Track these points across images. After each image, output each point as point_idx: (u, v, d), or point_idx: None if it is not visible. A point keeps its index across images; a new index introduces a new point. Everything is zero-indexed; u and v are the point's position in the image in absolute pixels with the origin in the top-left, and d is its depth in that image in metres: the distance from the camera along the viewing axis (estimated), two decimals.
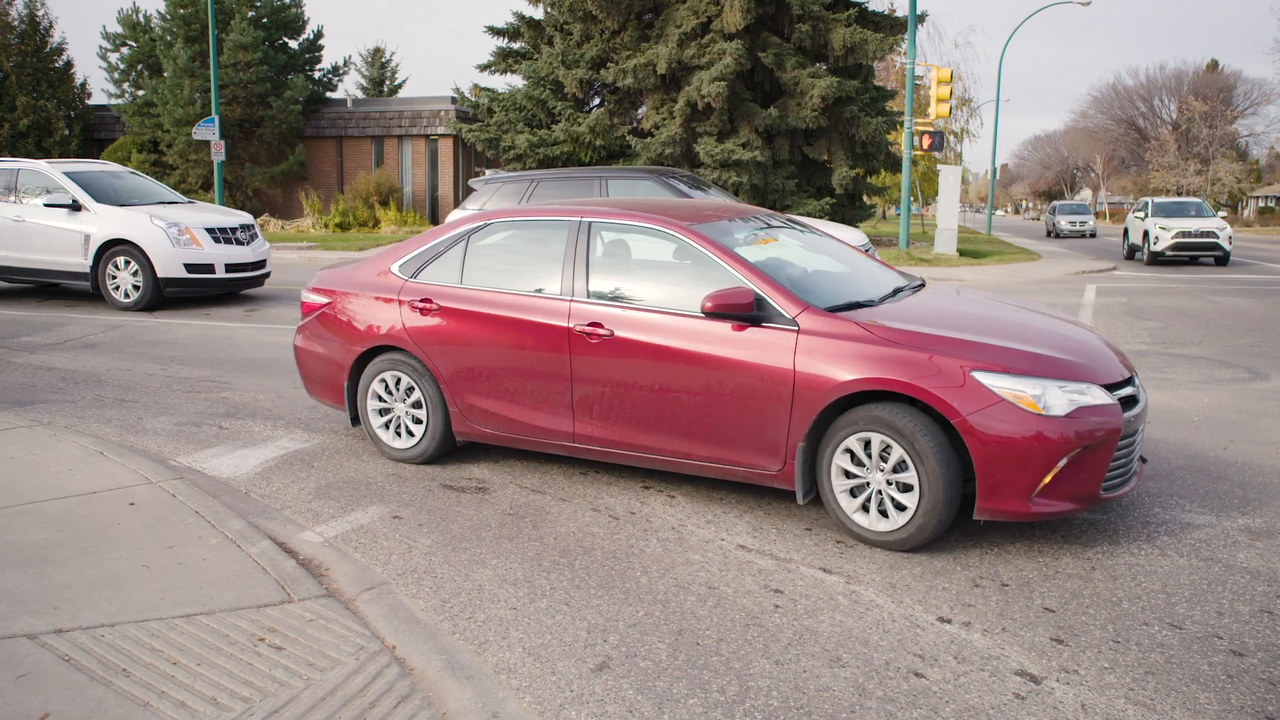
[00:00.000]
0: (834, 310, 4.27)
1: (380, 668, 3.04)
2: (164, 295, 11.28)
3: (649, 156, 22.84)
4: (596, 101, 25.71)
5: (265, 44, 28.76)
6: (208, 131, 22.87)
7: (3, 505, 4.35)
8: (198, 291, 11.53)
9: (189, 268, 11.22)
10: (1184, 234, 21.03)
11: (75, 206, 11.26)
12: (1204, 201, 25.36)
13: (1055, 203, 44.66)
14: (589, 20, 24.04)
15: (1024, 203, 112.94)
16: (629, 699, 2.96)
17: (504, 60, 26.53)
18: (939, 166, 28.89)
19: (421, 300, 5.13)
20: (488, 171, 11.36)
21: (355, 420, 5.46)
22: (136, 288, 11.15)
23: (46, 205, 11.30)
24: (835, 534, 4.32)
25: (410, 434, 5.27)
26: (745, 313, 4.22)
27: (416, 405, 5.22)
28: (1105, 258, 23.89)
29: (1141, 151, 67.03)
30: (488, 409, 4.97)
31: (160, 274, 11.08)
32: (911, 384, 3.89)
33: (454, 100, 29.36)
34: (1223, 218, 23.53)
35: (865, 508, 4.12)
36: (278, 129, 28.57)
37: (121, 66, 30.83)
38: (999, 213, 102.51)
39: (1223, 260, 21.54)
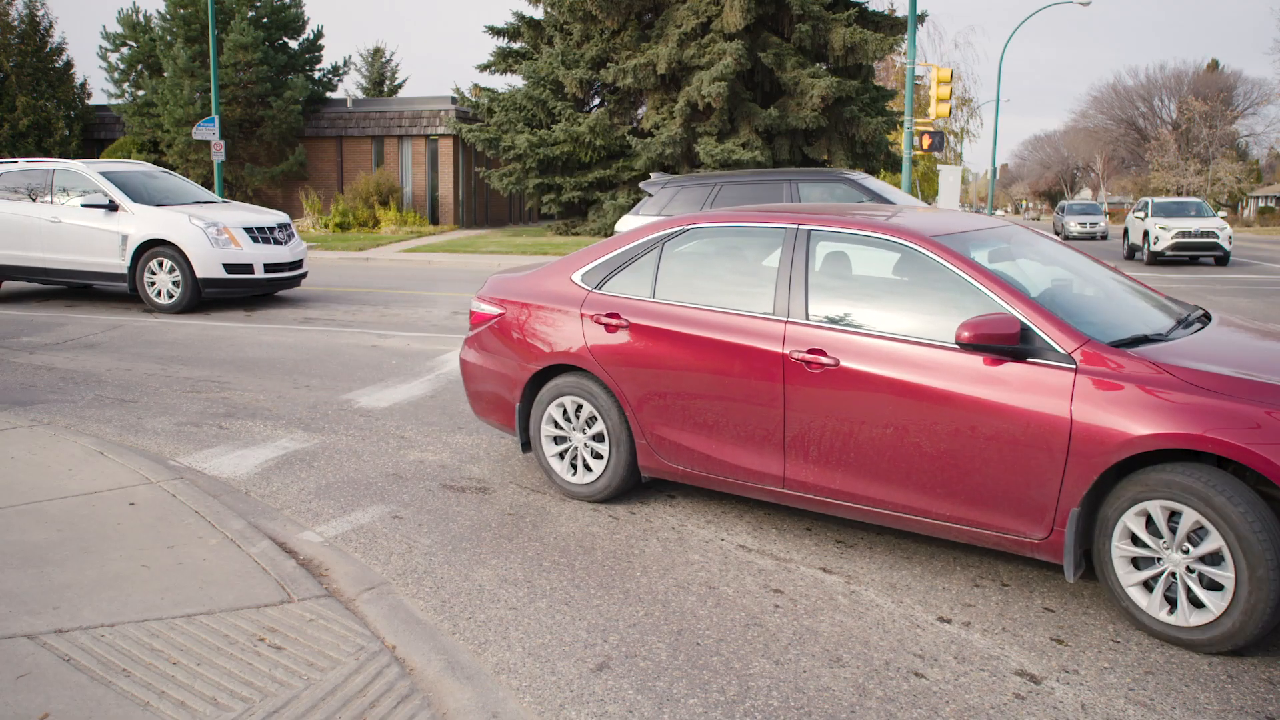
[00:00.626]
0: (1119, 345, 3.53)
1: (380, 668, 3.04)
2: (203, 297, 11.06)
3: (649, 156, 22.85)
4: (596, 101, 25.72)
5: (265, 44, 28.76)
6: (208, 131, 22.88)
7: (3, 505, 4.35)
8: (236, 292, 11.33)
9: (228, 268, 11.00)
10: (1184, 234, 21.03)
11: (112, 207, 11.06)
12: (1204, 201, 25.36)
13: (1063, 202, 42.32)
14: (589, 20, 24.05)
15: (1024, 203, 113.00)
16: (629, 699, 2.96)
17: (504, 60, 26.54)
18: (939, 166, 28.91)
19: (608, 315, 4.53)
20: (653, 175, 10.84)
21: (526, 447, 4.93)
22: (176, 287, 10.93)
23: (84, 206, 11.10)
24: (835, 534, 4.31)
25: (588, 468, 4.69)
26: (1009, 345, 3.53)
27: (598, 438, 4.63)
28: (1105, 258, 23.88)
29: (1141, 151, 67.04)
30: (681, 443, 4.35)
31: (199, 274, 10.87)
32: (1237, 445, 3.10)
33: (454, 100, 29.37)
34: (1223, 218, 23.53)
35: (1168, 598, 3.34)
36: (278, 129, 28.58)
37: (121, 66, 30.84)
38: (999, 213, 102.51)
39: (1223, 260, 21.54)
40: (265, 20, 29.44)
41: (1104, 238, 37.78)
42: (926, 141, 21.07)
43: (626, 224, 10.69)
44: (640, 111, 25.10)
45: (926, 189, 42.43)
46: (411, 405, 6.67)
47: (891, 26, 23.76)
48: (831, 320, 3.99)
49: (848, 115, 22.72)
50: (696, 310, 4.34)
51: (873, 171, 26.32)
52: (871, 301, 4.02)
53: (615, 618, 3.50)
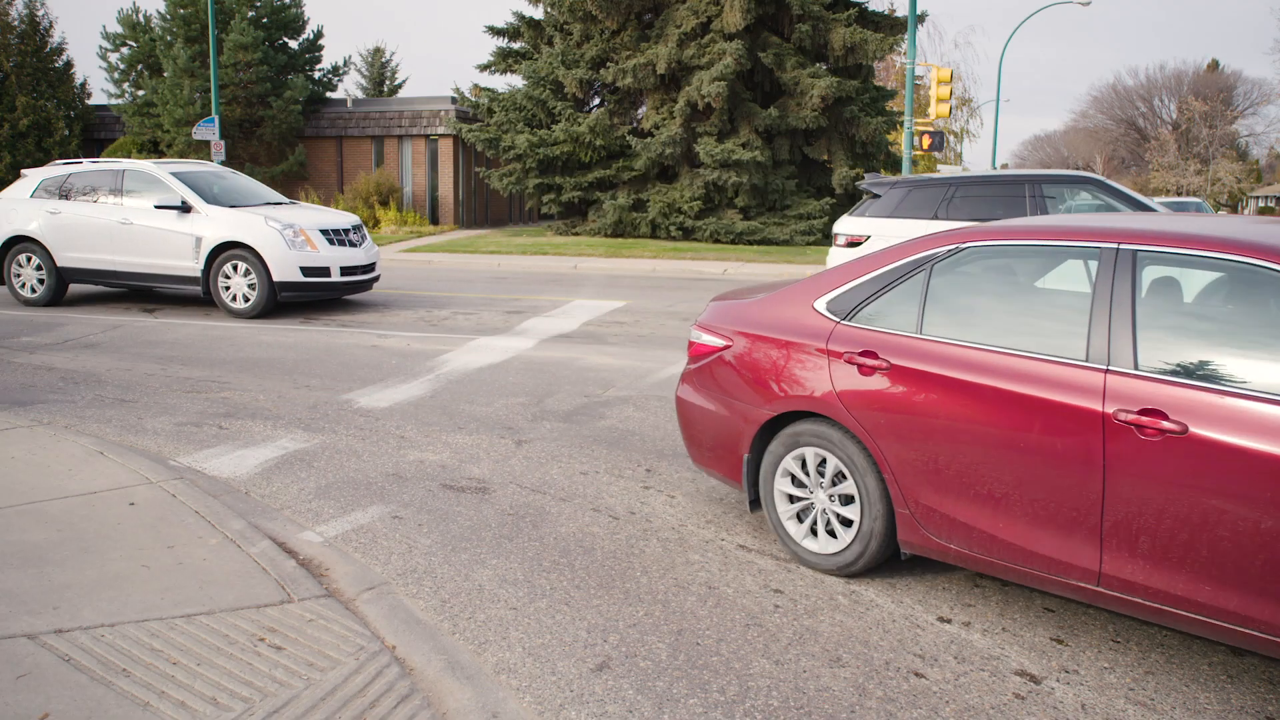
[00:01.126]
0: None
1: (380, 668, 3.04)
2: (279, 300, 10.69)
3: (649, 156, 22.85)
4: (596, 101, 25.72)
5: (265, 44, 28.76)
6: (208, 131, 22.88)
7: (3, 505, 4.35)
8: (312, 296, 10.91)
9: (305, 271, 10.57)
10: None
11: (185, 208, 10.70)
12: (1204, 201, 25.36)
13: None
14: (589, 20, 24.05)
15: None
16: (629, 699, 2.96)
17: (504, 60, 26.53)
18: (939, 166, 28.92)
19: (862, 353, 3.74)
20: (867, 176, 10.07)
21: (755, 504, 4.25)
22: (251, 290, 10.55)
23: (158, 207, 10.76)
24: None
25: (833, 535, 3.92)
26: None
27: (845, 499, 3.87)
28: None
29: (1141, 151, 67.06)
30: (955, 517, 3.48)
31: (276, 278, 10.46)
32: None
33: (454, 100, 29.37)
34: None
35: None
36: (278, 129, 28.58)
37: (121, 66, 30.83)
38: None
39: None
40: (265, 20, 29.44)
41: None
42: (926, 141, 21.08)
43: (847, 226, 10.07)
44: (640, 111, 25.09)
45: None
46: (411, 405, 6.67)
47: (891, 26, 23.76)
48: (1172, 371, 3.04)
49: (848, 115, 22.72)
50: (977, 351, 3.46)
51: (872, 171, 26.33)
52: (1229, 346, 3.06)
53: (615, 618, 3.50)
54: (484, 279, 15.74)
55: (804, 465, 4.00)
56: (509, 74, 26.59)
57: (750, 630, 3.40)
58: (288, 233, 10.55)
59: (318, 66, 31.63)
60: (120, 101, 30.50)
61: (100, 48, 30.72)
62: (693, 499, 4.76)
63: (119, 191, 11.14)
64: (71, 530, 4.07)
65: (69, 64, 30.60)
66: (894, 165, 25.51)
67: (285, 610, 3.40)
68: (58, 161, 11.57)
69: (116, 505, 4.39)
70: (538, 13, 26.27)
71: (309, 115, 29.87)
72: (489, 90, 26.78)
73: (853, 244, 9.82)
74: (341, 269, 10.96)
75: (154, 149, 29.25)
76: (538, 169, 24.43)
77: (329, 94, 31.66)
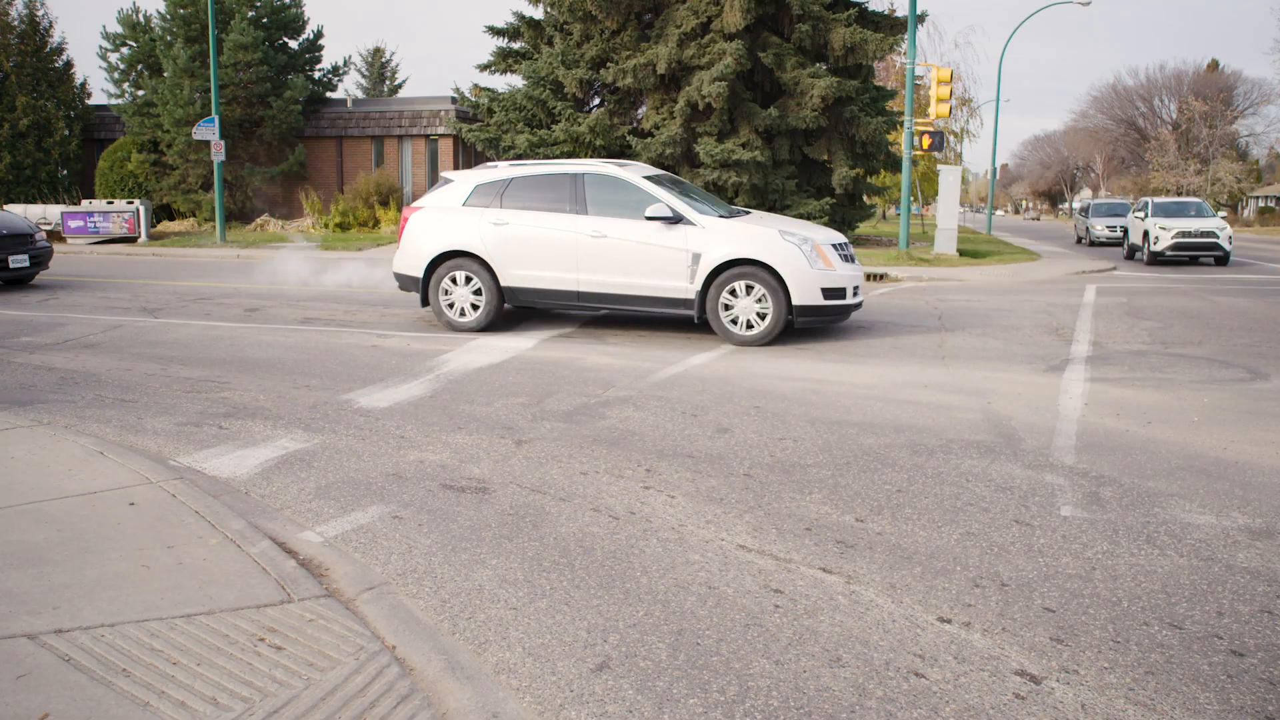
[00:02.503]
0: None
1: (380, 668, 3.04)
2: (794, 326, 9.48)
3: (649, 157, 22.84)
4: (596, 101, 25.71)
5: (265, 44, 28.76)
6: (208, 131, 22.87)
7: (3, 505, 4.35)
8: (824, 320, 9.50)
9: (825, 293, 9.20)
10: (1184, 234, 21.03)
11: (675, 219, 9.24)
12: (1204, 201, 25.34)
13: (1087, 200, 36.35)
14: (589, 20, 24.04)
15: (1024, 203, 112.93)
16: (629, 699, 2.96)
17: (504, 60, 26.52)
18: (939, 166, 28.90)
19: None
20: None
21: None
22: (761, 317, 9.19)
23: (649, 218, 9.24)
24: (835, 534, 4.31)
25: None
26: None
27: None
28: (1105, 258, 23.89)
29: (1141, 151, 67.04)
30: None
31: (796, 301, 9.07)
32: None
33: (454, 100, 29.38)
34: (1223, 218, 23.52)
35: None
36: (278, 129, 28.57)
37: (121, 66, 30.83)
38: (999, 213, 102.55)
39: (1223, 260, 21.53)
40: (265, 20, 29.44)
41: None
42: (926, 141, 21.07)
43: None
44: (640, 111, 25.09)
45: (926, 189, 42.43)
46: (411, 405, 6.67)
47: (891, 26, 23.75)
48: None
49: (848, 115, 22.72)
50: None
51: (872, 172, 26.32)
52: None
53: (615, 618, 3.49)
54: None
55: None
56: (509, 74, 26.59)
57: (750, 630, 3.40)
58: (805, 248, 9.17)
59: (318, 66, 31.64)
60: (120, 101, 30.50)
61: (100, 48, 30.71)
62: (693, 499, 4.76)
63: (579, 199, 9.60)
64: (71, 530, 4.07)
65: (69, 64, 30.61)
66: (894, 165, 25.52)
67: (285, 610, 3.40)
68: (489, 164, 10.45)
69: (116, 505, 4.39)
70: (538, 13, 26.26)
71: (309, 115, 29.87)
72: (489, 90, 26.78)
73: None
74: (854, 290, 9.58)
75: (154, 149, 29.26)
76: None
77: (329, 94, 31.67)
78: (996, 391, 7.26)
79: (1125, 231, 25.09)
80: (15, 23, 29.34)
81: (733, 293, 9.19)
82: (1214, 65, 69.34)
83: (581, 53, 24.07)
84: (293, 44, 30.76)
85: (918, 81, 28.52)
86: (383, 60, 47.59)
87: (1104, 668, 3.17)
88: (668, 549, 4.14)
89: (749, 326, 9.21)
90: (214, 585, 3.58)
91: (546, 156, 23.97)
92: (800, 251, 9.10)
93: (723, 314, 9.26)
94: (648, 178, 9.71)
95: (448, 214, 9.93)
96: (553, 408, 6.62)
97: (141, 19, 30.85)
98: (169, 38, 28.86)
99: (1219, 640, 3.34)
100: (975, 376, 7.83)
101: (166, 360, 8.24)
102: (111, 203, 25.06)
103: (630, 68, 22.45)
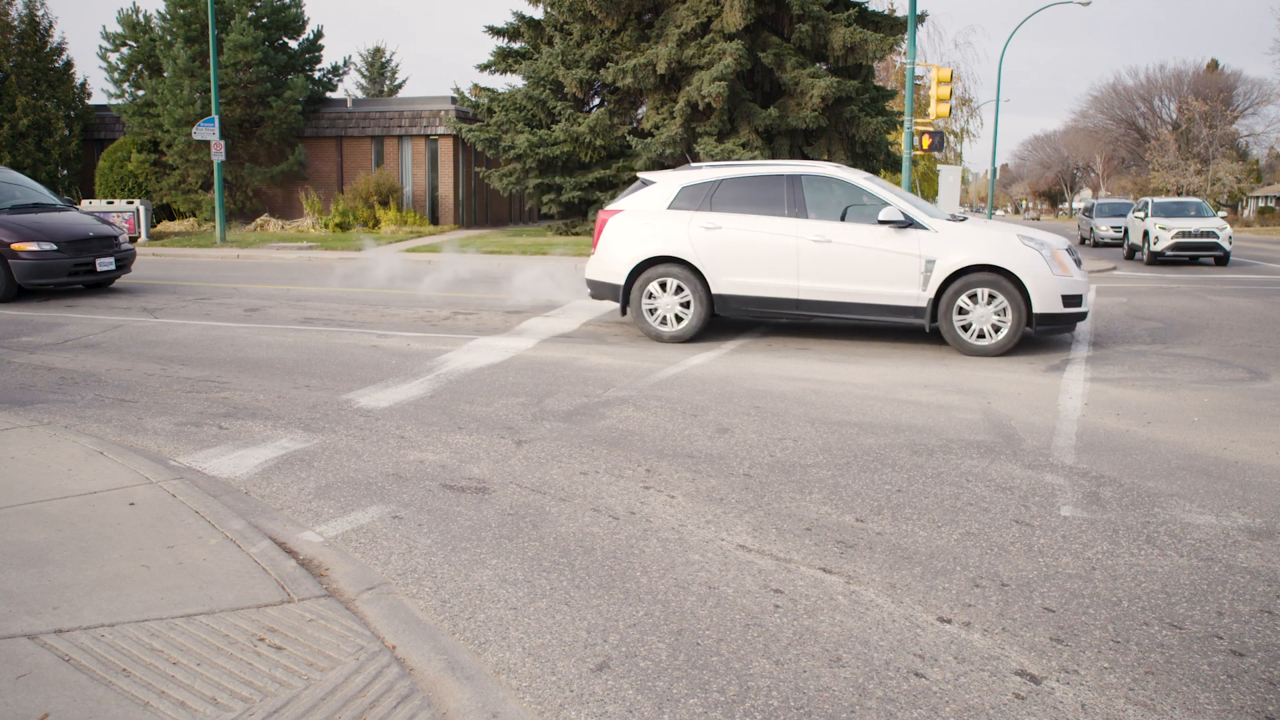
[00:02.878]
0: None
1: (380, 668, 3.04)
2: (1034, 335, 9.21)
3: (649, 157, 22.84)
4: (596, 101, 25.72)
5: (265, 44, 28.77)
6: (208, 131, 22.88)
7: (3, 505, 4.35)
8: (1061, 329, 9.12)
9: (1065, 300, 8.74)
10: (1184, 234, 21.03)
11: (906, 223, 8.80)
12: (1204, 201, 25.32)
13: (1093, 200, 35.70)
14: (589, 20, 24.04)
15: (1024, 203, 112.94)
16: (629, 699, 2.96)
17: (504, 60, 26.53)
18: (939, 166, 28.89)
19: None
20: None
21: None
22: (996, 329, 8.74)
23: (881, 222, 8.80)
24: (835, 534, 4.31)
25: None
26: None
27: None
28: (1105, 258, 23.90)
29: (1141, 151, 67.04)
30: None
31: (1037, 309, 8.64)
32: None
33: (454, 100, 29.38)
34: (1223, 218, 23.52)
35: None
36: (278, 129, 28.58)
37: (121, 66, 30.84)
38: (999, 212, 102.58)
39: (1223, 260, 21.53)
40: (265, 20, 29.44)
41: None
42: (926, 141, 21.07)
43: None
44: (640, 111, 25.09)
45: (926, 189, 42.41)
46: (411, 405, 6.67)
47: (891, 26, 23.76)
48: None
49: (848, 115, 22.72)
50: None
51: (873, 171, 26.35)
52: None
53: (615, 618, 3.49)
54: (484, 279, 15.74)
55: None
56: (509, 74, 26.62)
57: (750, 630, 3.40)
58: (1045, 253, 8.75)
59: (318, 66, 31.65)
60: (120, 101, 30.51)
61: (100, 48, 30.72)
62: (693, 499, 4.76)
63: (798, 202, 9.15)
64: (71, 530, 4.07)
65: (69, 64, 30.62)
66: (894, 165, 25.52)
67: (285, 610, 3.40)
68: (692, 165, 9.99)
69: (116, 505, 4.39)
70: (538, 13, 26.27)
71: (309, 115, 29.88)
72: (489, 90, 26.79)
73: None
74: (1086, 296, 9.24)
75: (154, 149, 29.27)
76: (538, 169, 24.43)
77: (329, 94, 31.68)
78: (996, 391, 7.26)
79: (1126, 231, 24.84)
80: (15, 23, 29.35)
81: (972, 299, 8.73)
82: (1214, 65, 69.33)
83: (581, 53, 24.07)
84: (293, 44, 30.76)
85: (918, 81, 28.51)
86: (383, 60, 47.60)
87: (1104, 668, 3.17)
88: (668, 549, 4.14)
89: (982, 336, 8.78)
90: (214, 585, 3.58)
91: (546, 156, 23.98)
92: (1040, 257, 8.66)
93: (956, 322, 8.80)
94: (871, 179, 9.33)
95: (652, 217, 9.43)
96: (553, 408, 6.62)
97: (141, 19, 30.86)
98: (169, 38, 28.87)
99: (1219, 640, 3.34)
100: (975, 376, 7.83)
101: (166, 360, 8.24)
102: (111, 203, 25.06)
103: (630, 68, 22.45)
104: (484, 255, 19.46)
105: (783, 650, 3.26)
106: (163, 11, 29.31)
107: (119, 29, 30.95)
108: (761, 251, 9.10)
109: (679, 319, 9.36)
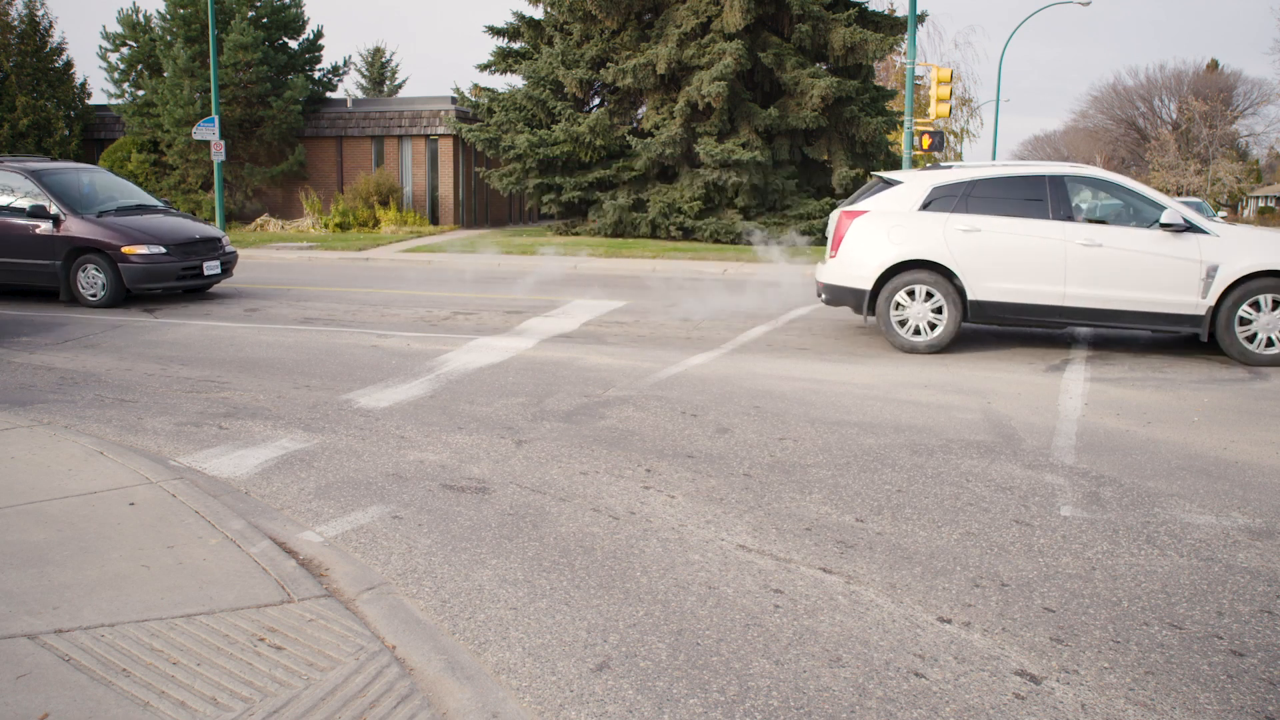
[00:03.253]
0: None
1: (380, 668, 3.04)
2: None
3: (649, 156, 22.86)
4: (596, 101, 25.72)
5: (265, 44, 28.76)
6: (208, 131, 22.88)
7: (3, 505, 4.35)
8: None
9: None
10: None
11: (1185, 227, 8.37)
12: (1204, 201, 25.32)
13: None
14: (589, 20, 24.05)
15: None
16: (629, 699, 2.96)
17: (504, 60, 26.53)
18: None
19: None
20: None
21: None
22: (1271, 342, 8.36)
23: (1163, 225, 8.37)
24: (835, 534, 4.31)
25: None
26: None
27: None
28: None
29: (1141, 151, 67.03)
30: None
31: None
32: None
33: (454, 100, 29.37)
34: (1223, 218, 23.51)
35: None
36: (278, 129, 28.57)
37: (121, 66, 30.82)
38: None
39: None
40: (265, 20, 29.43)
41: None
42: (926, 141, 21.08)
43: None
44: (640, 111, 25.09)
45: None
46: (411, 405, 6.67)
47: (891, 26, 23.76)
48: None
49: (848, 115, 22.72)
50: None
51: (872, 170, 26.34)
52: None
53: (615, 618, 3.49)
54: (484, 279, 15.73)
55: None
56: (509, 74, 26.60)
57: (750, 630, 3.40)
58: None
59: (318, 66, 31.63)
60: (120, 101, 30.50)
61: (100, 48, 30.71)
62: (693, 499, 4.76)
63: (1063, 203, 8.66)
64: (71, 530, 4.07)
65: (69, 64, 30.61)
66: (894, 165, 25.51)
67: (285, 610, 3.40)
68: (940, 164, 9.49)
69: (116, 505, 4.39)
70: (538, 13, 26.27)
71: (309, 115, 29.87)
72: (489, 90, 26.79)
73: None
74: None
75: (154, 149, 29.27)
76: (538, 169, 24.44)
77: (329, 94, 31.67)
78: (996, 391, 7.26)
79: None
80: (15, 23, 29.35)
81: (1254, 307, 8.30)
82: (1214, 65, 69.33)
83: (581, 53, 24.08)
84: (293, 44, 30.75)
85: (918, 81, 28.52)
86: (383, 60, 47.61)
87: (1104, 668, 3.17)
88: (668, 549, 4.14)
89: (1270, 344, 8.35)
90: (214, 585, 3.58)
91: (546, 156, 23.98)
92: None
93: (1239, 333, 8.36)
94: (1131, 181, 8.97)
95: (902, 219, 8.86)
96: (553, 408, 6.62)
97: (141, 19, 30.84)
98: (169, 38, 28.86)
99: (1219, 640, 3.34)
100: (975, 376, 7.83)
101: (166, 360, 8.24)
102: None
103: (630, 68, 22.45)
104: (484, 255, 19.47)
105: (783, 650, 3.26)
106: (163, 11, 29.30)
107: (119, 29, 30.93)
108: (1025, 256, 8.58)
109: (932, 327, 8.86)
